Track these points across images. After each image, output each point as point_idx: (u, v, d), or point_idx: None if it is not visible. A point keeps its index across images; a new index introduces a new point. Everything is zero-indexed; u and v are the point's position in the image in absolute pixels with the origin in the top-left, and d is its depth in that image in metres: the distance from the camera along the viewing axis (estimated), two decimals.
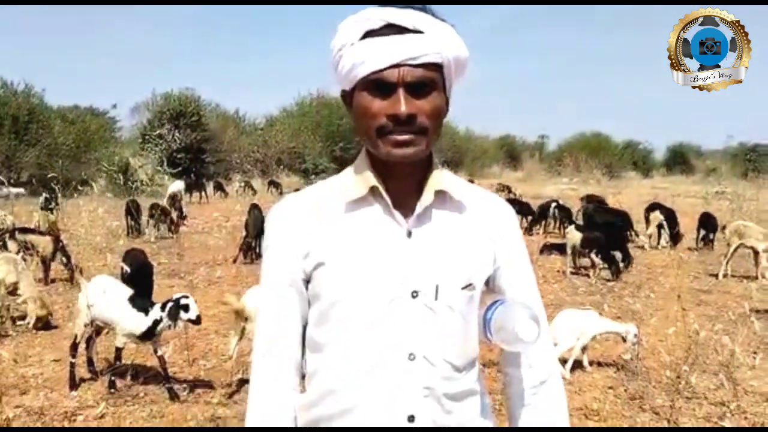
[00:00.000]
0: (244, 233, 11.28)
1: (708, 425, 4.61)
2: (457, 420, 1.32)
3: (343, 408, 1.29)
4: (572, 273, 10.43)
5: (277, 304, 1.36)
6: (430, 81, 1.23)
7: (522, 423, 1.42)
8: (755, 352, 6.11)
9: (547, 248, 12.21)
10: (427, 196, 1.30)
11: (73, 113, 30.13)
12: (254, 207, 12.72)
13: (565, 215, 14.98)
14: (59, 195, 14.04)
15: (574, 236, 10.63)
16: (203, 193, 23.32)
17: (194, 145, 30.37)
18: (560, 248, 12.16)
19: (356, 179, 1.33)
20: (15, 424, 4.41)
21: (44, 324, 6.81)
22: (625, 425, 4.59)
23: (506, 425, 1.48)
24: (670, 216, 13.58)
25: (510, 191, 23.44)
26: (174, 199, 14.96)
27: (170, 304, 4.85)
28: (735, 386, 5.19)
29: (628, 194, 23.49)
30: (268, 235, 1.38)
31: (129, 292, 5.07)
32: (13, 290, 6.83)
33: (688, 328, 5.52)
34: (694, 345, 5.49)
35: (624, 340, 5.64)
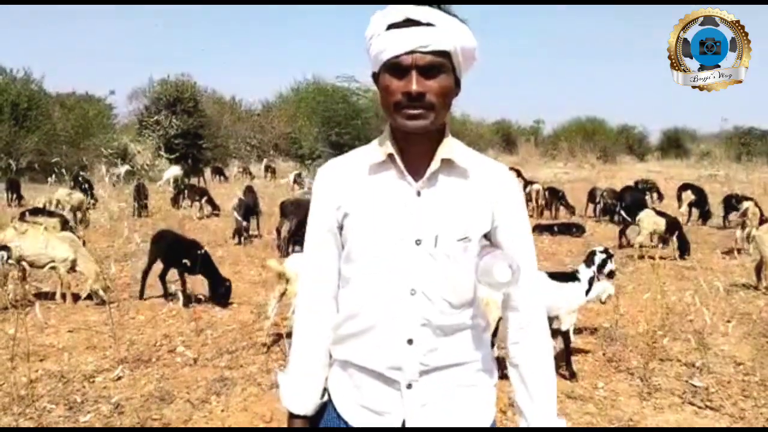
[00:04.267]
0: (236, 216, 11.40)
1: (678, 383, 4.99)
2: (449, 346, 1.59)
3: (360, 329, 1.59)
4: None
5: (317, 245, 1.68)
6: (439, 65, 1.48)
7: (511, 358, 1.68)
8: (729, 321, 6.50)
9: (539, 229, 12.59)
10: (434, 163, 1.55)
11: (70, 99, 30.22)
12: (249, 189, 13.10)
13: (555, 197, 15.44)
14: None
15: (656, 221, 10.53)
16: (201, 179, 23.63)
17: (191, 130, 30.42)
18: (550, 229, 12.56)
19: (378, 147, 1.60)
20: (38, 386, 4.77)
21: (106, 297, 6.86)
22: (601, 383, 4.97)
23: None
24: (701, 195, 14.27)
25: (519, 174, 24.15)
26: (177, 183, 15.38)
27: (601, 257, 5.39)
28: (706, 350, 5.57)
29: (621, 178, 23.84)
30: (314, 192, 1.69)
31: (543, 274, 5.23)
32: (72, 267, 7.17)
33: (666, 300, 5.89)
34: (670, 313, 5.88)
35: (602, 302, 5.97)
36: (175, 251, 7.18)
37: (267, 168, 25.51)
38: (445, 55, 1.49)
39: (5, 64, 26.79)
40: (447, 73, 1.50)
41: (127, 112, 33.87)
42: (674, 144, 50.76)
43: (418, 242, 1.54)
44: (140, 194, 14.33)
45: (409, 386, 1.57)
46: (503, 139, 51.47)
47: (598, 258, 5.43)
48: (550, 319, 5.26)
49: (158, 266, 7.46)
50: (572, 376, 5.01)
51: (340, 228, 1.63)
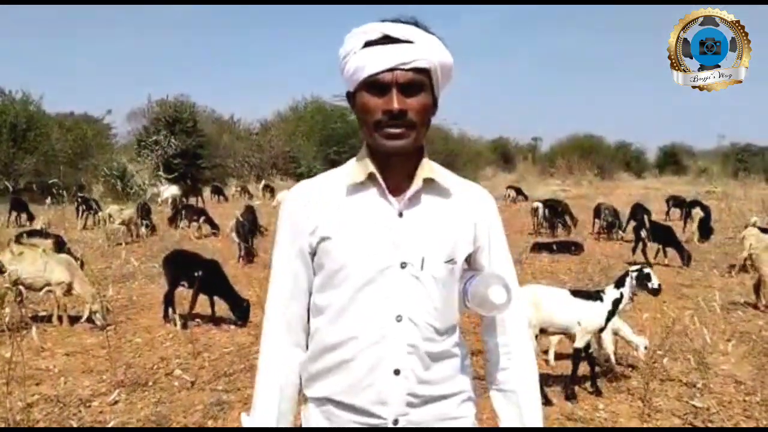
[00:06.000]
0: (236, 236, 11.39)
1: (679, 404, 4.95)
2: (435, 375, 1.52)
3: (339, 361, 1.49)
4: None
5: (286, 273, 1.57)
6: (419, 83, 1.44)
7: (497, 385, 1.62)
8: (729, 340, 6.47)
9: (537, 247, 12.55)
10: (416, 183, 1.50)
11: (69, 120, 30.34)
12: (248, 209, 13.07)
13: (554, 215, 15.41)
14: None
15: (763, 238, 9.98)
16: (200, 198, 23.63)
17: (190, 150, 30.53)
18: (548, 247, 12.51)
19: (357, 167, 1.53)
20: (34, 410, 4.73)
21: (104, 320, 6.96)
22: (601, 405, 4.93)
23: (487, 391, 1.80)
24: (706, 213, 14.54)
25: (520, 192, 24.39)
26: (175, 203, 15.40)
27: (633, 274, 5.15)
28: (706, 370, 5.54)
29: (618, 195, 23.92)
30: (281, 215, 1.59)
31: (566, 291, 5.28)
32: (68, 290, 7.14)
33: (665, 319, 5.86)
34: (670, 333, 5.84)
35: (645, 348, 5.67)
36: (192, 270, 7.08)
37: (266, 187, 25.55)
38: (425, 72, 1.45)
39: (4, 85, 27.02)
40: (426, 91, 1.46)
41: (125, 132, 34.09)
42: (672, 161, 50.97)
43: (403, 265, 1.48)
44: (144, 214, 14.39)
45: (396, 422, 1.49)
46: (501, 156, 51.69)
47: (631, 279, 5.13)
48: (569, 337, 5.24)
49: (164, 287, 7.48)
50: (571, 397, 4.96)
51: (313, 254, 1.54)
